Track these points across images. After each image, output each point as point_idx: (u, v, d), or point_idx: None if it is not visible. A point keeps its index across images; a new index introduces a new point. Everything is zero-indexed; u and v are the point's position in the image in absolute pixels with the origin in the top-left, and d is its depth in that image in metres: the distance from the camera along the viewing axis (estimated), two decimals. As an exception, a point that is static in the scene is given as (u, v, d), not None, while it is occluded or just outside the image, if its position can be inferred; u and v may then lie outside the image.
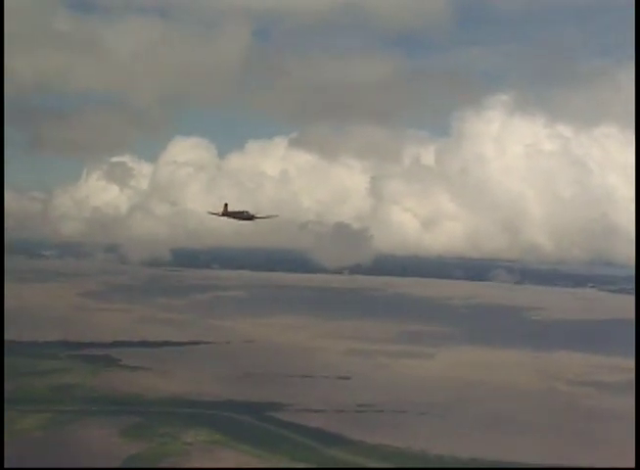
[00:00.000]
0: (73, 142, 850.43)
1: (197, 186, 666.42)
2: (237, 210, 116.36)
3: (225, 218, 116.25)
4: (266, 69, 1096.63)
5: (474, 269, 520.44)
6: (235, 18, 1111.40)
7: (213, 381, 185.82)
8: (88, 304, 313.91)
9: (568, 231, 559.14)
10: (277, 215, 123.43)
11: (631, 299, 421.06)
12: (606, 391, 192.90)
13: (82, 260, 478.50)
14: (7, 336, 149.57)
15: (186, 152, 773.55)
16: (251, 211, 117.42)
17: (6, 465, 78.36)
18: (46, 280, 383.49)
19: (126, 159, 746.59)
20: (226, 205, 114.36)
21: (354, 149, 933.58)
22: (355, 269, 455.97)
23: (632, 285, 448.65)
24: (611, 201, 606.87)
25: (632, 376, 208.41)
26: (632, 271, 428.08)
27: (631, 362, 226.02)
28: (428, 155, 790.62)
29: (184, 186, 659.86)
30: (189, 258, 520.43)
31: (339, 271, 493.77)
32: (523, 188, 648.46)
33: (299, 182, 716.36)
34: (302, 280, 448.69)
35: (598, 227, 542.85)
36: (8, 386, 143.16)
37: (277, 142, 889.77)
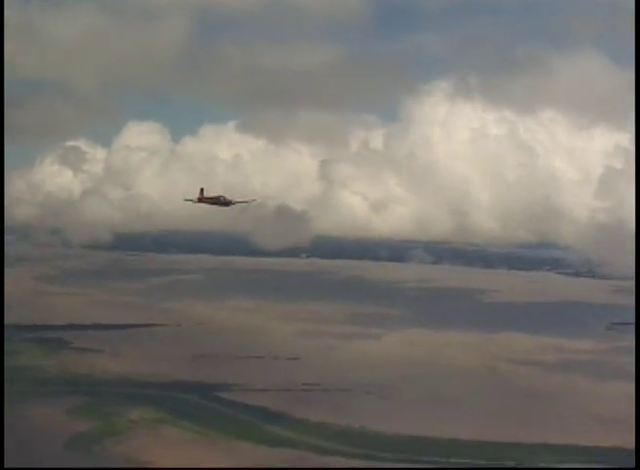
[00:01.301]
0: (26, 128, 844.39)
1: (150, 170, 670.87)
2: (213, 195, 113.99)
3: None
4: (207, 56, 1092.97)
5: (423, 252, 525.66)
6: (173, 6, 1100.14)
7: (163, 362, 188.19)
8: (43, 288, 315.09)
9: (513, 214, 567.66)
10: (255, 200, 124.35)
11: (585, 281, 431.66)
12: (545, 370, 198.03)
13: (38, 245, 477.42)
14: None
15: (140, 136, 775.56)
16: (228, 196, 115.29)
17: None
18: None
19: (81, 143, 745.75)
20: (202, 190, 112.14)
21: (303, 134, 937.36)
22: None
23: (586, 268, 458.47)
24: (555, 184, 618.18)
25: (574, 356, 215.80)
26: (582, 254, 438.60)
27: (575, 343, 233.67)
28: (376, 139, 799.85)
29: (138, 170, 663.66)
30: (145, 242, 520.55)
31: (296, 254, 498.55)
32: (469, 172, 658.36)
33: (252, 166, 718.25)
34: (259, 264, 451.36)
35: (540, 209, 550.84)
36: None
37: (230, 127, 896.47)
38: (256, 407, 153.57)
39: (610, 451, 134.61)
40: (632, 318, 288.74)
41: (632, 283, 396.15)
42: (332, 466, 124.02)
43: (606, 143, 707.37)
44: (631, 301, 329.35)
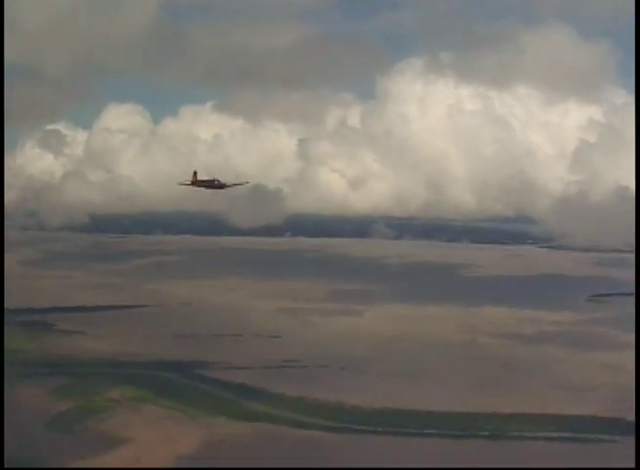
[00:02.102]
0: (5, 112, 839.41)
1: (131, 152, 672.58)
2: (206, 178, 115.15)
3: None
4: (177, 38, 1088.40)
5: (402, 228, 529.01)
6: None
7: (145, 342, 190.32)
8: (28, 271, 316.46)
9: (489, 188, 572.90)
10: (247, 182, 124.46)
11: (568, 254, 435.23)
12: (523, 342, 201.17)
13: (19, 229, 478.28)
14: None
15: (120, 118, 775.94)
16: (222, 180, 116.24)
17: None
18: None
19: (61, 126, 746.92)
20: (195, 173, 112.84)
21: (280, 113, 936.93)
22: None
23: (568, 242, 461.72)
24: (530, 158, 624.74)
25: (552, 328, 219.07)
26: (556, 227, 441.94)
27: (554, 315, 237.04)
28: (353, 117, 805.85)
29: (118, 152, 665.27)
30: (126, 224, 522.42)
31: (280, 234, 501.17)
32: (446, 147, 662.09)
33: (232, 147, 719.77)
34: (243, 243, 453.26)
35: (516, 183, 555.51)
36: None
37: (208, 108, 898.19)
38: (235, 384, 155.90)
39: (581, 420, 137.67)
40: (611, 290, 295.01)
41: (611, 255, 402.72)
42: (306, 439, 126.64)
43: (579, 117, 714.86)
44: (610, 273, 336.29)
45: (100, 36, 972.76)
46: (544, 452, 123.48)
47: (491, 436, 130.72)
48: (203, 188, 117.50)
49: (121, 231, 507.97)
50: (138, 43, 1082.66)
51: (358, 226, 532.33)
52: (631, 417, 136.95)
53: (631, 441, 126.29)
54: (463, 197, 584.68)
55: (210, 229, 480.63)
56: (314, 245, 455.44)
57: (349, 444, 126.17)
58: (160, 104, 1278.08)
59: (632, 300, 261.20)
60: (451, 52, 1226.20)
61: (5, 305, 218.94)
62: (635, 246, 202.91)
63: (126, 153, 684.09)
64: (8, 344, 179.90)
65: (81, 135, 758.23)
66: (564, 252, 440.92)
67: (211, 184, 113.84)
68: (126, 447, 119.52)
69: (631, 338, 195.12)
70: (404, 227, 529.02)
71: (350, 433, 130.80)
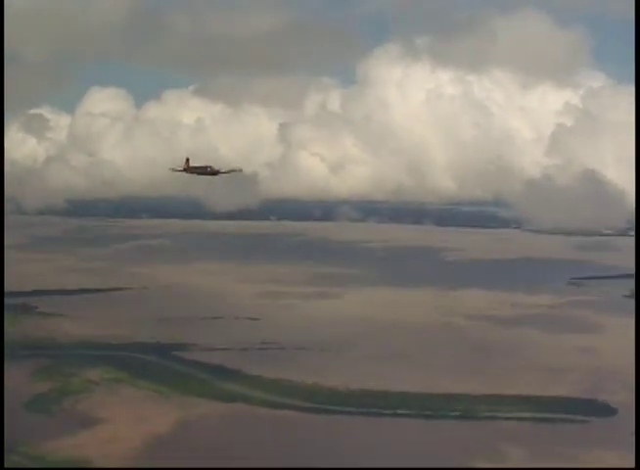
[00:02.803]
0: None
1: (114, 136, 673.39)
2: (199, 165, 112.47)
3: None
4: (153, 24, 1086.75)
5: (382, 212, 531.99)
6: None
7: (126, 325, 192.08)
8: (11, 255, 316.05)
9: (468, 173, 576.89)
10: (240, 169, 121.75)
11: (551, 238, 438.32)
12: (498, 324, 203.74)
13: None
14: None
15: (104, 102, 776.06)
16: (215, 166, 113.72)
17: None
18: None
19: (45, 111, 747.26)
20: (188, 159, 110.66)
21: (261, 98, 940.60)
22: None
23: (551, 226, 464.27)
24: (510, 143, 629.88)
25: (530, 311, 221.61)
26: (534, 211, 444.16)
27: (533, 298, 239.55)
28: (334, 102, 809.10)
29: (101, 137, 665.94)
30: (108, 208, 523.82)
31: (265, 217, 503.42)
32: (425, 132, 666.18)
33: (213, 131, 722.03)
34: (228, 227, 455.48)
35: (494, 168, 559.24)
36: None
37: (189, 93, 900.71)
38: (213, 365, 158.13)
39: (553, 400, 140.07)
40: (592, 273, 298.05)
41: (593, 239, 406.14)
42: (280, 419, 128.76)
43: (556, 101, 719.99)
44: (591, 256, 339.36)
45: (80, 22, 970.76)
46: (514, 432, 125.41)
47: (462, 416, 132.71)
48: (191, 174, 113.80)
49: (105, 215, 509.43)
50: (117, 29, 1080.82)
51: (338, 210, 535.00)
52: (603, 398, 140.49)
53: (602, 421, 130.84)
54: (443, 181, 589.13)
55: (192, 213, 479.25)
56: (298, 228, 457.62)
57: (322, 424, 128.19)
58: (142, 88, 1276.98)
59: (611, 282, 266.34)
60: (428, 37, 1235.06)
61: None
62: (635, 243, 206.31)
63: (109, 137, 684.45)
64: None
65: (66, 119, 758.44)
66: (548, 235, 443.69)
67: (204, 171, 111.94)
68: (101, 427, 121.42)
69: (606, 320, 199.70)
70: (385, 211, 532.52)
71: (324, 413, 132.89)
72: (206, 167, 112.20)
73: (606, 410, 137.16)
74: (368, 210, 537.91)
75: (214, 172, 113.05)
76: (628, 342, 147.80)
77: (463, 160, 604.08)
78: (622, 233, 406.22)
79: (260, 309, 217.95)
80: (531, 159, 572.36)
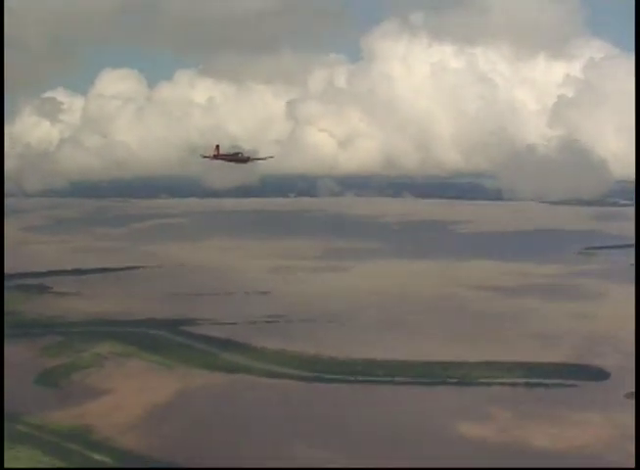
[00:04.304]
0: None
1: (126, 117, 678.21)
2: (230, 152, 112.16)
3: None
4: (145, 9, 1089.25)
5: (394, 186, 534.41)
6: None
7: (138, 302, 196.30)
8: (29, 237, 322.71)
9: (474, 146, 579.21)
10: (272, 156, 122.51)
11: (567, 208, 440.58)
12: (502, 294, 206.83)
13: (19, 196, 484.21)
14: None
15: (116, 83, 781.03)
16: (245, 153, 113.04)
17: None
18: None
19: (59, 94, 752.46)
20: (217, 147, 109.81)
21: (268, 76, 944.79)
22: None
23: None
24: (514, 115, 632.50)
25: (536, 280, 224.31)
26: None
27: (541, 268, 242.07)
28: (340, 77, 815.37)
29: (114, 118, 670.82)
30: (130, 188, 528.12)
31: (284, 195, 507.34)
32: (430, 105, 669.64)
33: (224, 110, 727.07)
34: (248, 204, 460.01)
35: (496, 140, 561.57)
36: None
37: (195, 73, 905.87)
38: (220, 339, 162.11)
39: (547, 366, 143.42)
40: (604, 243, 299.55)
41: (613, 209, 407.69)
42: (277, 387, 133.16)
43: (557, 72, 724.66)
44: (606, 227, 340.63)
45: (69, 13, 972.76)
46: (506, 396, 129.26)
47: (459, 382, 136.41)
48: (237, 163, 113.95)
49: (122, 195, 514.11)
50: (114, 14, 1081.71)
51: (349, 185, 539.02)
52: (596, 362, 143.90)
53: (594, 385, 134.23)
54: (449, 155, 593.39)
55: (207, 192, 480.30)
56: (310, 204, 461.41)
57: (319, 392, 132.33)
58: (151, 70, 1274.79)
59: (622, 252, 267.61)
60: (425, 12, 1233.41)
61: (5, 270, 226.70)
62: (635, 214, 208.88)
63: (122, 118, 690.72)
64: (5, 306, 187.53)
65: (80, 101, 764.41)
66: (566, 206, 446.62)
67: (235, 158, 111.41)
68: (105, 398, 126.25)
69: (609, 288, 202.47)
70: (389, 185, 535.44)
71: (322, 382, 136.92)
72: (237, 154, 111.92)
73: (598, 374, 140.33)
74: (376, 184, 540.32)
75: (245, 159, 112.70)
76: (626, 308, 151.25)
77: (467, 132, 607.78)
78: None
79: (271, 284, 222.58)
80: (534, 130, 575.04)
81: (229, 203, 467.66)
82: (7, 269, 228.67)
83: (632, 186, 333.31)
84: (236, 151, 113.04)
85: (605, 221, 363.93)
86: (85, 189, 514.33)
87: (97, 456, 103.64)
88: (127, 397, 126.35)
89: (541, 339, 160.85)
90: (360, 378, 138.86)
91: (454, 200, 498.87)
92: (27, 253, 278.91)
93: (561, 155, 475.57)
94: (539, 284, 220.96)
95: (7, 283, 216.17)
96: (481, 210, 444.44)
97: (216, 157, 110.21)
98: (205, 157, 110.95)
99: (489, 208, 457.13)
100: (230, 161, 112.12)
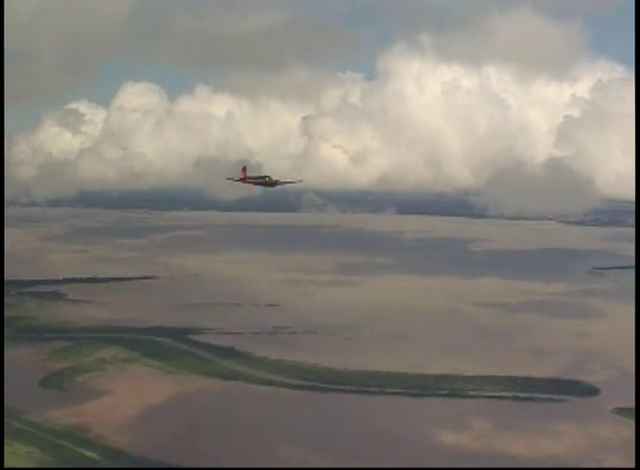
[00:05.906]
0: (22, 94, 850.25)
1: (146, 130, 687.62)
2: (257, 175, 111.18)
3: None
4: (156, 23, 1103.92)
5: (407, 203, 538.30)
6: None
7: (148, 310, 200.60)
8: (48, 246, 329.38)
9: (483, 164, 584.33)
10: (301, 180, 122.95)
11: (585, 229, 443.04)
12: (505, 311, 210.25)
13: (40, 205, 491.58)
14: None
15: (138, 97, 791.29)
16: (273, 177, 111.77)
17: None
18: (8, 226, 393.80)
19: (82, 106, 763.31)
20: (244, 168, 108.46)
21: (285, 92, 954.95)
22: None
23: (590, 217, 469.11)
24: (523, 135, 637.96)
25: (540, 298, 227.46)
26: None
27: (548, 287, 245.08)
28: (355, 95, 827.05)
29: (135, 130, 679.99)
30: (148, 200, 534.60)
31: (307, 210, 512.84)
32: (442, 124, 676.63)
33: (243, 124, 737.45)
34: (266, 219, 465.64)
35: (503, 159, 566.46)
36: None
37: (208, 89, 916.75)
38: (222, 347, 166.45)
39: (537, 381, 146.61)
40: (615, 263, 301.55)
41: (616, 230, 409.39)
42: (271, 395, 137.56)
43: (563, 93, 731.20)
44: (616, 246, 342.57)
45: (83, 26, 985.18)
46: (488, 408, 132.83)
47: (447, 395, 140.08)
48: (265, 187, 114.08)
49: (137, 206, 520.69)
50: (125, 29, 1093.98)
51: (363, 201, 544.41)
52: (587, 379, 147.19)
53: (579, 400, 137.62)
54: (460, 173, 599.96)
55: (230, 205, 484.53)
56: (341, 221, 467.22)
57: (311, 400, 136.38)
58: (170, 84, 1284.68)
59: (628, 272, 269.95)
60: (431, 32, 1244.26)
61: (21, 277, 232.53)
62: (635, 234, 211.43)
63: (142, 130, 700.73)
64: (18, 311, 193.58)
65: (102, 114, 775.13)
66: (580, 227, 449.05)
67: (262, 181, 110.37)
68: (103, 399, 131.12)
69: (611, 307, 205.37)
70: (401, 202, 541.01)
71: (315, 391, 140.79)
72: (265, 178, 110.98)
73: (587, 390, 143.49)
74: (389, 200, 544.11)
75: (272, 183, 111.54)
76: (625, 328, 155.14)
77: (477, 151, 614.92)
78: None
79: (280, 296, 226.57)
80: (541, 149, 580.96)
81: (246, 216, 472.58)
82: (24, 276, 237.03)
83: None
84: (264, 175, 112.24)
85: (618, 242, 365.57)
86: (106, 200, 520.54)
87: (88, 453, 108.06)
88: (123, 398, 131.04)
89: (535, 354, 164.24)
90: (353, 388, 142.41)
91: (468, 217, 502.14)
92: (45, 261, 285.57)
93: (563, 174, 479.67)
94: (542, 301, 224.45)
95: (23, 289, 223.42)
96: (496, 229, 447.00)
97: (243, 180, 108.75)
98: (230, 179, 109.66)
99: (506, 227, 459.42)
100: (257, 184, 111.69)
